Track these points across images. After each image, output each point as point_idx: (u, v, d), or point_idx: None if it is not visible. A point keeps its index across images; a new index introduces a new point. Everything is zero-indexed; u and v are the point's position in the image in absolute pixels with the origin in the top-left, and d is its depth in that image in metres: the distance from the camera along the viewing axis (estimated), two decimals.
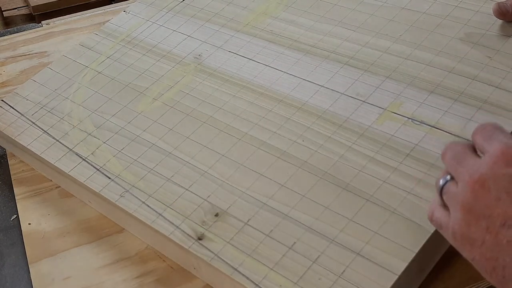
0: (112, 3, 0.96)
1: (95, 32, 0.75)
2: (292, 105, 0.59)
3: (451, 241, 0.42)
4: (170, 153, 0.58)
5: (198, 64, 0.67)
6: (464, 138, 0.52)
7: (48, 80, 0.70)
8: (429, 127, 0.54)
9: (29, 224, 0.59)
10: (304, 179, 0.53)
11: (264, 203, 0.51)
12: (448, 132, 0.53)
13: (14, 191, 0.63)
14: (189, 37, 0.71)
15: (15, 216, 0.61)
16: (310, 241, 0.48)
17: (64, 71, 0.70)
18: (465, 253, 0.40)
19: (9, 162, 0.66)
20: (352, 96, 0.58)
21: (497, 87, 0.56)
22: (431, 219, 0.44)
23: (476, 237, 0.38)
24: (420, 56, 0.61)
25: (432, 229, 0.46)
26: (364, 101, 0.58)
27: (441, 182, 0.43)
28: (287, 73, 0.63)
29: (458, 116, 0.54)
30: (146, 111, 0.63)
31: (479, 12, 0.64)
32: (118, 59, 0.70)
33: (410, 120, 0.55)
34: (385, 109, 0.56)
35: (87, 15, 0.90)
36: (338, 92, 0.59)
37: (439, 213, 0.43)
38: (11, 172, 0.65)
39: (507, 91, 0.55)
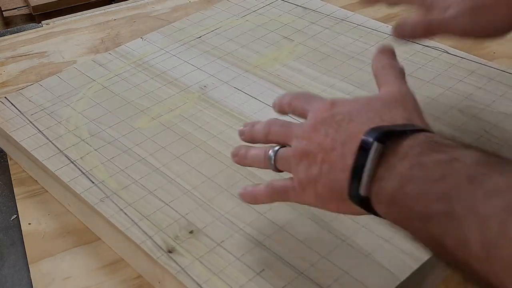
0: (112, 3, 0.98)
1: (109, 52, 0.77)
2: None
3: (299, 196, 0.44)
4: (157, 168, 0.58)
5: (202, 94, 0.68)
6: None
7: (54, 87, 0.71)
8: None
9: (29, 224, 0.59)
10: (285, 212, 0.52)
11: (241, 228, 0.51)
12: None
13: (14, 191, 0.63)
14: (198, 69, 0.72)
15: (15, 216, 0.60)
16: (279, 270, 0.47)
17: (71, 81, 0.72)
18: (309, 194, 0.44)
19: (9, 162, 0.67)
20: None
21: None
22: (274, 192, 0.47)
23: (315, 172, 0.42)
24: None
25: (403, 277, 0.46)
26: None
27: (271, 153, 0.46)
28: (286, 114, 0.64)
29: None
30: (143, 128, 0.63)
31: (482, 89, 0.65)
32: (126, 78, 0.72)
33: None
34: None
35: (87, 15, 0.92)
36: None
37: (280, 182, 0.46)
38: (11, 172, 0.65)
39: None
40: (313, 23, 0.80)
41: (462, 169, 0.35)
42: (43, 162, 0.60)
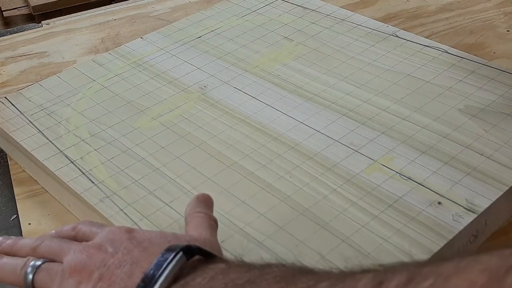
0: (112, 3, 0.98)
1: (109, 52, 0.77)
2: (285, 143, 0.60)
3: None
4: (157, 168, 0.58)
5: (202, 94, 0.68)
6: (448, 199, 0.52)
7: (54, 87, 0.71)
8: (416, 183, 0.54)
9: (29, 224, 0.59)
10: (285, 212, 0.52)
11: (241, 228, 0.51)
12: (434, 191, 0.53)
13: (14, 191, 0.63)
14: (198, 69, 0.72)
15: (15, 216, 0.60)
16: None
17: (71, 81, 0.72)
18: None
19: (9, 162, 0.67)
20: (346, 144, 0.59)
21: (488, 158, 0.56)
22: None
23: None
24: (417, 119, 0.62)
25: None
26: (356, 151, 0.58)
27: (32, 264, 0.40)
28: (286, 114, 0.64)
29: (445, 178, 0.54)
30: (143, 128, 0.63)
31: (482, 89, 0.65)
32: (126, 78, 0.72)
33: (398, 174, 0.55)
34: (375, 161, 0.57)
35: (87, 15, 0.92)
36: (332, 138, 0.60)
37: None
38: (11, 172, 0.65)
39: (497, 163, 0.56)
40: (313, 23, 0.80)
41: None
42: (43, 162, 0.60)
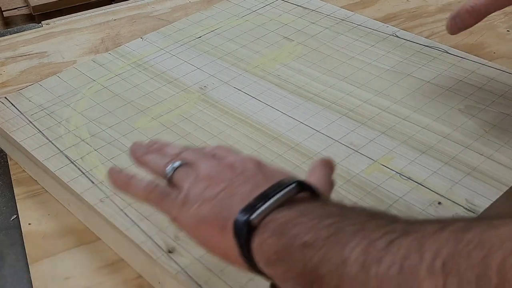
0: (112, 3, 0.98)
1: (109, 52, 0.77)
2: (285, 143, 0.60)
3: (175, 208, 0.42)
4: None
5: (202, 94, 0.68)
6: (448, 199, 0.52)
7: (54, 87, 0.71)
8: (416, 183, 0.54)
9: (29, 224, 0.58)
10: None
11: None
12: (434, 191, 0.53)
13: (14, 191, 0.63)
14: (198, 69, 0.72)
15: (15, 216, 0.60)
16: None
17: (71, 81, 0.72)
18: (186, 211, 0.42)
19: (9, 162, 0.66)
20: (346, 144, 0.59)
21: (488, 158, 0.56)
22: (153, 192, 0.45)
23: (209, 194, 0.41)
24: (418, 119, 0.62)
25: None
26: (356, 151, 0.58)
27: (176, 163, 0.44)
28: (286, 114, 0.64)
29: (445, 178, 0.54)
30: (143, 128, 0.63)
31: (482, 89, 0.65)
32: (126, 78, 0.72)
33: (398, 174, 0.55)
34: (376, 161, 0.57)
35: (87, 15, 0.92)
36: (332, 139, 0.60)
37: (164, 188, 0.44)
38: (11, 172, 0.65)
39: (497, 163, 0.56)
40: (313, 23, 0.80)
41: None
42: (43, 162, 0.60)
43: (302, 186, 0.40)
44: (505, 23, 0.83)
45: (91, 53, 0.83)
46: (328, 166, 0.46)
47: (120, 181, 0.47)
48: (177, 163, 0.45)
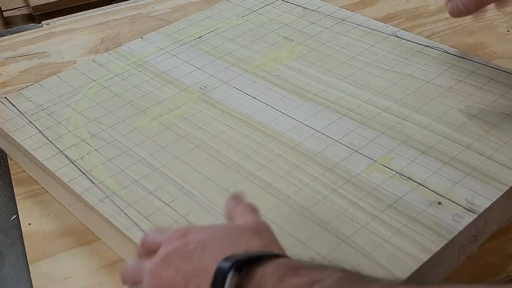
0: (112, 3, 0.98)
1: (109, 52, 0.77)
2: (285, 143, 0.60)
3: None
4: (157, 168, 0.58)
5: (202, 94, 0.68)
6: (448, 199, 0.52)
7: (54, 87, 0.71)
8: (416, 183, 0.54)
9: (29, 224, 0.59)
10: (285, 212, 0.52)
11: None
12: (434, 191, 0.53)
13: (14, 191, 0.63)
14: (198, 69, 0.72)
15: (15, 216, 0.60)
16: None
17: (71, 81, 0.72)
18: None
19: (9, 162, 0.66)
20: (346, 144, 0.59)
21: (488, 158, 0.56)
22: None
23: None
24: (418, 119, 0.62)
25: (403, 277, 0.46)
26: (356, 151, 0.58)
27: None
28: (286, 114, 0.64)
29: (445, 178, 0.54)
30: (143, 128, 0.63)
31: (482, 89, 0.65)
32: (126, 78, 0.72)
33: (398, 174, 0.55)
34: (376, 161, 0.57)
35: (88, 15, 0.92)
36: (332, 139, 0.60)
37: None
38: (11, 172, 0.65)
39: (497, 163, 0.56)
40: (313, 23, 0.80)
41: None
42: (43, 162, 0.60)
43: (240, 265, 0.38)
44: (505, 23, 0.83)
45: (91, 53, 0.83)
46: (239, 198, 0.47)
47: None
48: None
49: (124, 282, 0.46)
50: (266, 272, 0.37)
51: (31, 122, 0.65)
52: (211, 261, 0.39)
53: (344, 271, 0.38)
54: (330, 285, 0.35)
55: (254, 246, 0.40)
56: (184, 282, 0.39)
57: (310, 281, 0.36)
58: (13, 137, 0.63)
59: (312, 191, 0.54)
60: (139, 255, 0.46)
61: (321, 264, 0.39)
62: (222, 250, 0.39)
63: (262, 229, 0.43)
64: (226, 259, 0.38)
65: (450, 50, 0.72)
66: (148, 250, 0.44)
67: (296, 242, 0.50)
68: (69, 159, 0.60)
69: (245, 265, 0.38)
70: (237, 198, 0.48)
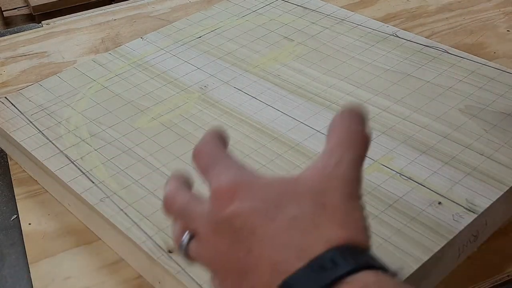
0: (112, 3, 0.98)
1: (109, 52, 0.77)
2: (286, 143, 0.60)
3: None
4: (157, 168, 0.58)
5: (202, 94, 0.68)
6: (448, 199, 0.52)
7: (54, 87, 0.71)
8: (416, 183, 0.54)
9: (29, 224, 0.58)
10: None
11: None
12: (434, 191, 0.53)
13: (14, 191, 0.62)
14: (198, 69, 0.72)
15: (15, 216, 0.60)
16: None
17: (71, 81, 0.72)
18: None
19: (9, 162, 0.66)
20: None
21: (488, 158, 0.56)
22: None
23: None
24: (418, 119, 0.62)
25: (403, 277, 0.46)
26: None
27: (184, 241, 0.36)
28: (286, 114, 0.64)
29: (446, 178, 0.54)
30: (143, 128, 0.63)
31: (482, 89, 0.65)
32: (126, 78, 0.72)
33: (398, 174, 0.55)
34: (376, 161, 0.57)
35: (87, 15, 0.92)
36: None
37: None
38: (11, 172, 0.65)
39: (497, 163, 0.56)
40: (313, 23, 0.80)
41: None
42: (43, 162, 0.60)
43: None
44: (505, 23, 0.83)
45: (91, 53, 0.83)
46: (355, 118, 0.35)
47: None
48: (185, 239, 0.37)
49: (169, 210, 0.38)
50: None
51: (31, 122, 0.65)
52: (265, 257, 0.30)
53: None
54: None
55: (332, 239, 0.30)
56: (236, 275, 0.32)
57: None
58: (13, 137, 0.63)
59: None
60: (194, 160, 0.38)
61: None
62: (279, 250, 0.30)
63: (332, 190, 0.31)
64: (297, 277, 0.28)
65: (450, 50, 0.72)
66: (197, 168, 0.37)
67: None
68: (69, 159, 0.60)
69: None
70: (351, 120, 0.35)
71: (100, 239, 0.56)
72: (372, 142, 0.59)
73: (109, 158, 0.60)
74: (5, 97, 0.69)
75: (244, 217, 0.31)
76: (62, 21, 0.91)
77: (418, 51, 0.72)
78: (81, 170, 0.58)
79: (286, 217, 0.31)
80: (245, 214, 0.32)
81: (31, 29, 0.90)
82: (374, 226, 0.50)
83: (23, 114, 0.66)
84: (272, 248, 0.30)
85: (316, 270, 0.28)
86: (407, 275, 0.46)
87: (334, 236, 0.30)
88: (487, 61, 0.70)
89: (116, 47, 0.79)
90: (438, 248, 0.48)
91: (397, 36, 0.75)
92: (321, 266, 0.29)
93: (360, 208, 0.33)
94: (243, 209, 0.32)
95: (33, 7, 0.97)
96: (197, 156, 0.38)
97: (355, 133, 0.35)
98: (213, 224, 0.33)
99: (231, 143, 0.60)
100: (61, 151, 0.61)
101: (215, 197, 0.34)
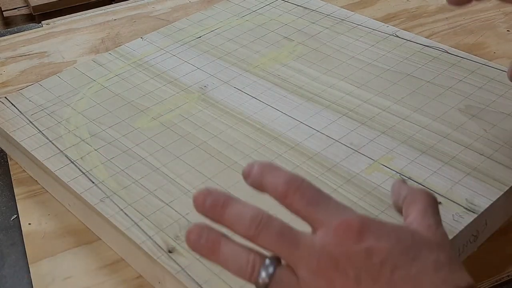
0: (112, 3, 0.98)
1: (109, 52, 0.77)
2: (285, 143, 0.60)
3: None
4: (157, 168, 0.58)
5: (202, 94, 0.68)
6: (448, 199, 0.52)
7: (54, 87, 0.71)
8: (416, 183, 0.54)
9: (29, 224, 0.58)
10: (285, 212, 0.52)
11: None
12: (434, 191, 0.53)
13: (14, 191, 0.62)
14: (198, 69, 0.72)
15: (15, 216, 0.60)
16: None
17: (71, 81, 0.72)
18: None
19: (9, 162, 0.66)
20: (346, 144, 0.59)
21: (488, 158, 0.56)
22: None
23: None
24: (418, 119, 0.62)
25: None
26: (356, 151, 0.58)
27: (264, 274, 0.33)
28: (286, 114, 0.64)
29: (446, 178, 0.54)
30: (143, 128, 0.63)
31: (482, 89, 0.65)
32: (126, 78, 0.72)
33: (398, 174, 0.55)
34: (376, 161, 0.57)
35: (88, 15, 0.92)
36: (332, 138, 0.60)
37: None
38: (11, 172, 0.65)
39: (497, 163, 0.56)
40: (313, 23, 0.80)
41: None
42: (43, 162, 0.60)
43: None
44: (505, 23, 0.83)
45: (91, 53, 0.83)
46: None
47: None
48: (270, 269, 0.33)
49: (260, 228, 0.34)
50: None
51: (31, 122, 0.65)
52: None
53: None
54: None
55: (464, 280, 0.32)
56: None
57: None
58: (13, 137, 0.63)
59: None
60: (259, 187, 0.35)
61: None
62: (418, 278, 0.30)
63: (445, 245, 0.34)
64: None
65: (450, 50, 0.72)
66: (288, 206, 0.35)
67: None
68: (69, 159, 0.60)
69: None
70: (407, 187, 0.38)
71: (100, 239, 0.56)
72: (372, 141, 0.59)
73: (109, 158, 0.60)
74: (5, 97, 0.69)
75: (385, 254, 0.31)
76: (62, 21, 0.91)
77: (418, 51, 0.72)
78: (81, 170, 0.58)
79: (427, 260, 0.32)
80: (386, 251, 0.31)
81: (31, 29, 0.90)
82: None
83: (23, 114, 0.66)
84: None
85: None
86: None
87: (465, 278, 0.33)
88: (487, 61, 0.70)
89: (116, 47, 0.79)
90: None
91: (397, 36, 0.75)
92: None
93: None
94: (381, 246, 0.31)
95: (33, 7, 0.97)
96: (296, 191, 0.35)
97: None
98: (333, 256, 0.31)
99: (231, 143, 0.60)
100: (61, 151, 0.61)
101: (342, 229, 0.32)
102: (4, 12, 1.00)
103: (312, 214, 0.34)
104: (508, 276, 0.52)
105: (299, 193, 0.35)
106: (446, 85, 0.66)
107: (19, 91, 0.70)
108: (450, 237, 0.49)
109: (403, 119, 0.62)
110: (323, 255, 0.32)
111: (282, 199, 0.35)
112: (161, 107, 0.66)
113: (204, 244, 0.36)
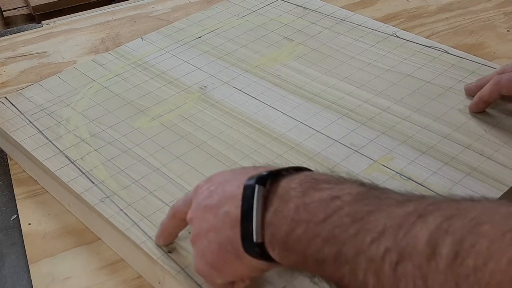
0: (112, 3, 0.98)
1: (109, 52, 0.77)
2: (285, 143, 0.60)
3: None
4: (157, 168, 0.58)
5: (202, 94, 0.68)
6: None
7: (54, 87, 0.71)
8: (416, 183, 0.54)
9: (29, 224, 0.58)
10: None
11: None
12: (434, 191, 0.53)
13: (14, 191, 0.63)
14: (198, 69, 0.72)
15: (15, 216, 0.60)
16: (279, 270, 0.47)
17: (71, 81, 0.72)
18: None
19: (9, 162, 0.66)
20: (346, 144, 0.59)
21: (488, 158, 0.56)
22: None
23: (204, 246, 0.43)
24: (418, 119, 0.62)
25: None
26: (356, 151, 0.58)
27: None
28: (286, 114, 0.64)
29: (445, 178, 0.54)
30: (143, 128, 0.63)
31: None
32: (126, 78, 0.72)
33: (398, 174, 0.55)
34: (376, 161, 0.57)
35: (88, 15, 0.92)
36: (332, 139, 0.60)
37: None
38: (11, 172, 0.65)
39: (497, 163, 0.56)
40: (313, 23, 0.80)
41: (343, 208, 0.36)
42: (43, 162, 0.60)
43: (263, 180, 0.40)
44: (505, 23, 0.83)
45: (91, 53, 0.83)
46: None
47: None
48: None
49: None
50: (290, 186, 0.39)
51: (31, 122, 0.65)
52: (235, 188, 0.41)
53: (362, 184, 0.39)
54: (350, 201, 0.37)
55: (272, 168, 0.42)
56: (213, 214, 0.41)
57: (330, 196, 0.37)
58: (13, 137, 0.63)
59: None
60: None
61: (340, 177, 0.40)
62: (243, 179, 0.41)
63: None
64: (250, 178, 0.40)
65: (450, 50, 0.72)
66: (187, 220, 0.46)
67: None
68: (69, 159, 0.60)
69: (267, 179, 0.40)
70: None
71: (100, 239, 0.56)
72: (372, 142, 0.59)
73: (109, 158, 0.60)
74: (5, 97, 0.69)
75: (218, 181, 0.44)
76: (62, 21, 0.91)
77: (418, 51, 0.72)
78: (81, 170, 0.58)
79: (247, 170, 0.44)
80: (219, 179, 0.44)
81: (31, 29, 0.90)
82: None
83: (23, 114, 0.66)
84: (240, 180, 0.42)
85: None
86: None
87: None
88: (487, 61, 0.70)
89: (116, 47, 0.79)
90: None
91: (397, 36, 0.75)
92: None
93: None
94: (216, 179, 0.45)
95: (33, 7, 0.97)
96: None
97: None
98: (197, 203, 0.44)
99: (231, 143, 0.60)
100: (61, 151, 0.61)
101: (195, 191, 0.45)
102: (4, 12, 1.00)
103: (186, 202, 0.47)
104: None
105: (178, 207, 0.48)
106: (446, 85, 0.66)
107: (19, 91, 0.71)
108: None
109: (403, 119, 0.62)
110: (191, 210, 0.45)
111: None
112: (161, 107, 0.66)
113: None
